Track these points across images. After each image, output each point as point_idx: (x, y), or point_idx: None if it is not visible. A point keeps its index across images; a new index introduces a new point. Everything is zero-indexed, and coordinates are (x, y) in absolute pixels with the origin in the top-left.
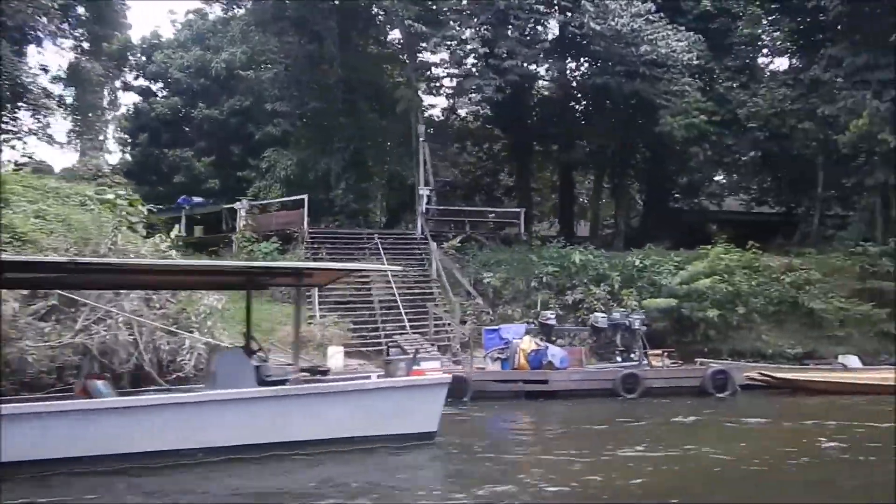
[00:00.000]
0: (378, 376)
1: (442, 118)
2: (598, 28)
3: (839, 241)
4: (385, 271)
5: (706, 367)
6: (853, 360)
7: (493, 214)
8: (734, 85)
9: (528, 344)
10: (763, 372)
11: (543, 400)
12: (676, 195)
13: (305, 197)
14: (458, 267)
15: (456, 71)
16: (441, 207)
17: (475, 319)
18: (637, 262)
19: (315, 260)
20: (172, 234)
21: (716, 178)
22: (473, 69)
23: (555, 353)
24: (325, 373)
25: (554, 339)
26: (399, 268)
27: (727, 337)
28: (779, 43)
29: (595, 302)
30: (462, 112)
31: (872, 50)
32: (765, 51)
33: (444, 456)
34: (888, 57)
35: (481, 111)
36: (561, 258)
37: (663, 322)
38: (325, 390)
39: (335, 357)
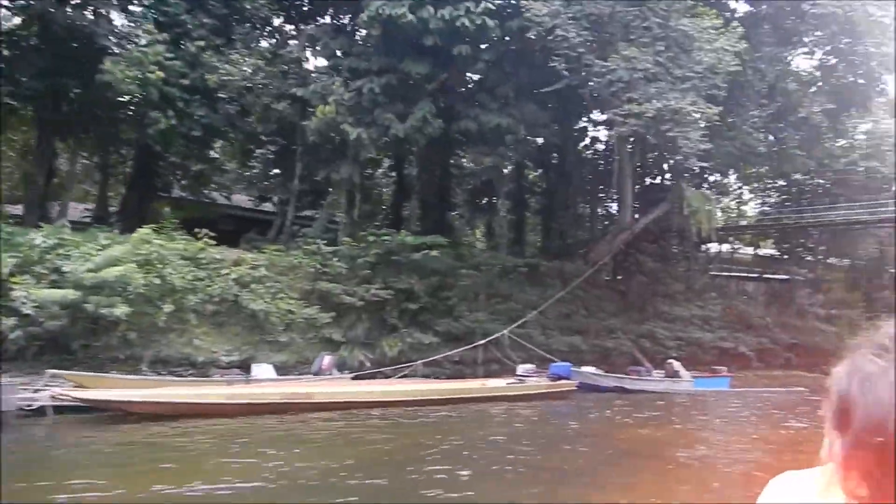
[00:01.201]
0: None
1: None
2: None
3: (303, 239)
4: None
5: None
6: (266, 370)
7: None
8: (206, 46)
9: None
10: (65, 391)
11: None
12: (183, 182)
13: None
14: None
15: None
16: None
17: None
18: (40, 242)
19: None
20: None
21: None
22: None
23: None
24: None
25: None
26: None
27: (151, 341)
28: (259, 9)
29: None
30: None
31: (349, 35)
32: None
33: None
34: (363, 46)
35: None
36: None
37: (64, 320)
38: None
39: None
